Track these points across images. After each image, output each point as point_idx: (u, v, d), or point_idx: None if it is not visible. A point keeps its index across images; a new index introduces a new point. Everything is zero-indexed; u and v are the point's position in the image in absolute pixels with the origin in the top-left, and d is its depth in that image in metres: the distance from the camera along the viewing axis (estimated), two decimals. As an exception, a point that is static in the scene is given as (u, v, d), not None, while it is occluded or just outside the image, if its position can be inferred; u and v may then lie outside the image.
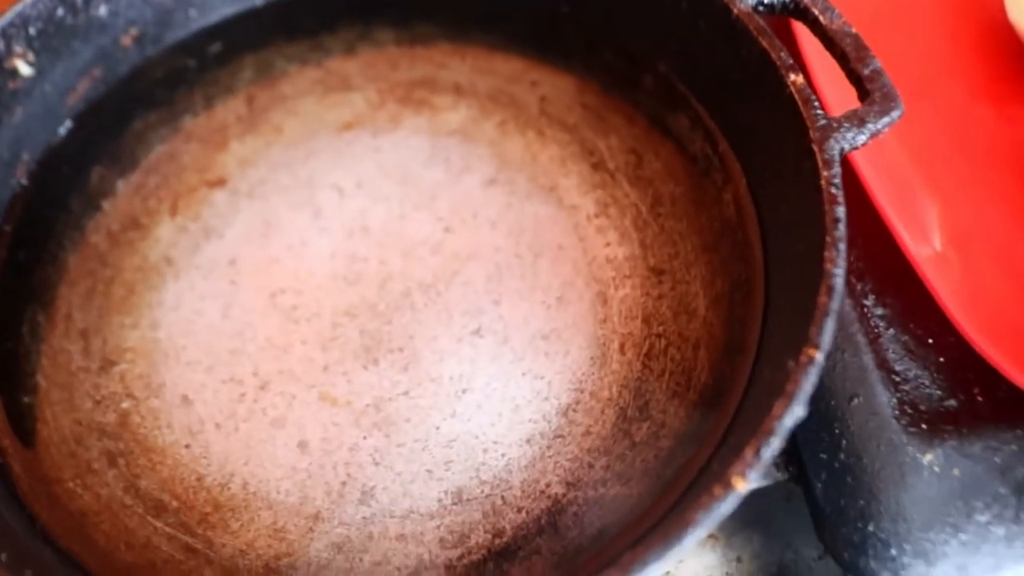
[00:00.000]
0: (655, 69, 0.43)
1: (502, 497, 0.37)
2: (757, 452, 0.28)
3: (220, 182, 0.45)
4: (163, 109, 0.46)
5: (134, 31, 0.44)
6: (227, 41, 0.47)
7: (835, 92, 0.43)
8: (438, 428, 0.38)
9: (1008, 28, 0.49)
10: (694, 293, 0.39)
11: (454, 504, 0.37)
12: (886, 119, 0.35)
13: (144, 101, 0.46)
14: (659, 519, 0.31)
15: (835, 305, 0.30)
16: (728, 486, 0.27)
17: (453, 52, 0.47)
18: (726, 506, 0.27)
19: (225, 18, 0.46)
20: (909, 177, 0.45)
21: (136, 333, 0.41)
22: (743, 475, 0.27)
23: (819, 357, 0.29)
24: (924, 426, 0.39)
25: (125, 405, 0.39)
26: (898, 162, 0.45)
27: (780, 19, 0.39)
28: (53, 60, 0.42)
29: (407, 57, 0.47)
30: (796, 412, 0.28)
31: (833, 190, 0.32)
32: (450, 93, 0.46)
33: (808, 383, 0.29)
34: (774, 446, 0.28)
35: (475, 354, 0.40)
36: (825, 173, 0.33)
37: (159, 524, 0.37)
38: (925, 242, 0.43)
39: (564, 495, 0.37)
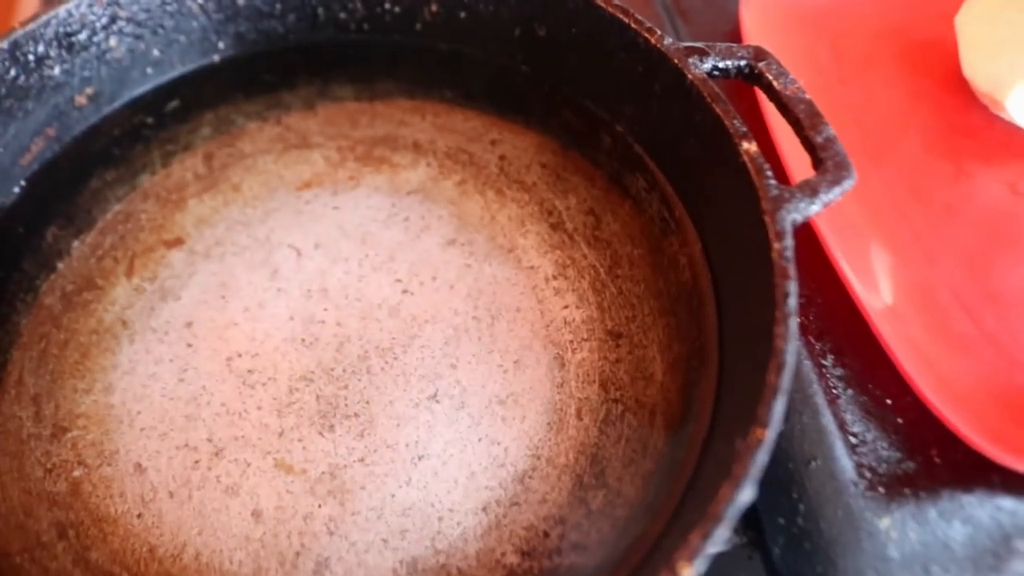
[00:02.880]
0: (613, 130, 0.43)
1: (457, 568, 0.37)
2: (704, 537, 0.27)
3: (177, 242, 0.45)
4: (120, 167, 0.46)
5: (89, 90, 0.44)
6: (185, 98, 0.46)
7: (799, 155, 0.44)
8: (394, 496, 0.38)
9: (964, 84, 0.49)
10: (651, 358, 0.39)
11: (409, 574, 0.37)
12: (838, 189, 0.35)
13: (100, 160, 0.45)
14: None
15: (784, 383, 0.30)
16: (673, 572, 0.27)
17: (413, 109, 0.47)
18: (673, 593, 0.27)
19: (182, 75, 0.46)
20: (865, 231, 0.45)
21: (89, 398, 0.41)
22: (689, 561, 0.27)
23: (768, 436, 0.29)
24: (882, 489, 0.39)
25: (77, 473, 0.39)
26: (855, 217, 0.46)
27: (742, 84, 0.40)
28: (6, 121, 0.41)
29: (367, 114, 0.47)
30: (744, 495, 0.28)
31: (784, 263, 0.32)
32: (410, 151, 0.46)
33: (756, 465, 0.29)
34: (721, 531, 0.28)
35: (432, 419, 0.39)
36: (776, 245, 0.33)
37: (109, 597, 0.36)
38: (880, 297, 0.43)
39: (519, 565, 0.36)
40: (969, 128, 0.48)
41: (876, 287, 0.44)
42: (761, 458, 0.29)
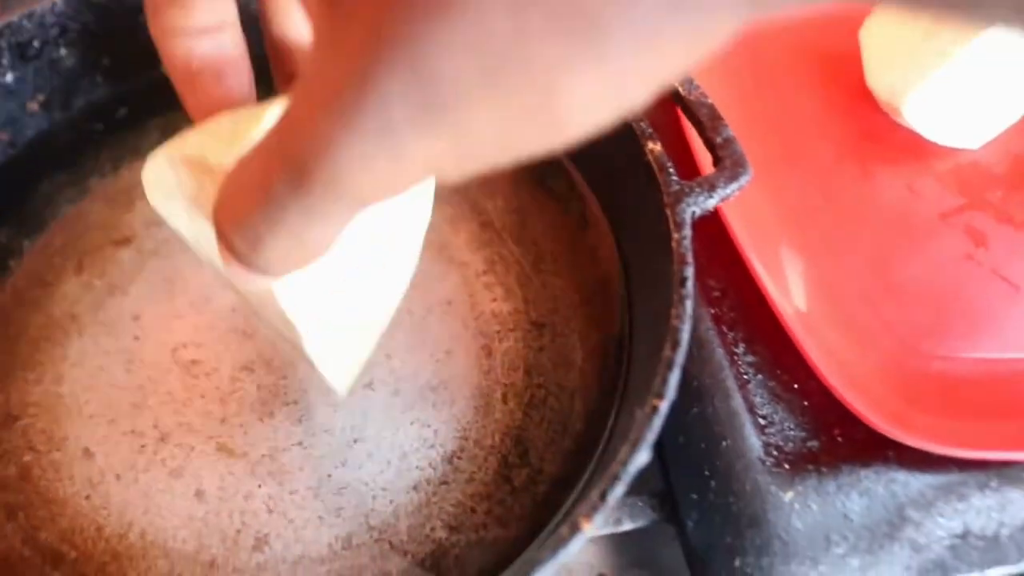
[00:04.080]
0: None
1: (389, 542, 0.39)
2: (603, 495, 0.30)
3: (126, 241, 0.47)
4: (71, 171, 0.48)
5: (41, 97, 0.46)
6: (134, 105, 0.48)
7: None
8: (330, 476, 0.40)
9: (869, 93, 0.53)
10: (572, 346, 0.42)
11: (344, 549, 0.39)
12: (735, 184, 0.38)
13: (52, 164, 0.47)
14: (520, 563, 0.34)
15: (679, 358, 0.33)
16: (575, 528, 0.30)
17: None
18: (572, 546, 0.30)
19: (132, 84, 0.48)
20: (777, 231, 0.49)
21: (39, 388, 0.43)
22: (589, 517, 0.30)
23: (662, 406, 0.32)
24: (787, 466, 0.42)
25: (27, 458, 0.41)
26: (768, 217, 0.49)
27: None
28: (-41, 126, 0.43)
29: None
30: (640, 458, 0.31)
31: (683, 251, 0.35)
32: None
33: (651, 431, 0.31)
34: (618, 489, 0.30)
35: (367, 405, 0.42)
36: (676, 235, 0.36)
37: (57, 575, 0.38)
38: (789, 292, 0.46)
39: (447, 539, 0.39)
40: (874, 133, 0.52)
41: (786, 283, 0.47)
42: (655, 425, 0.31)
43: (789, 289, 0.46)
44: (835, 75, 0.54)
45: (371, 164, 0.18)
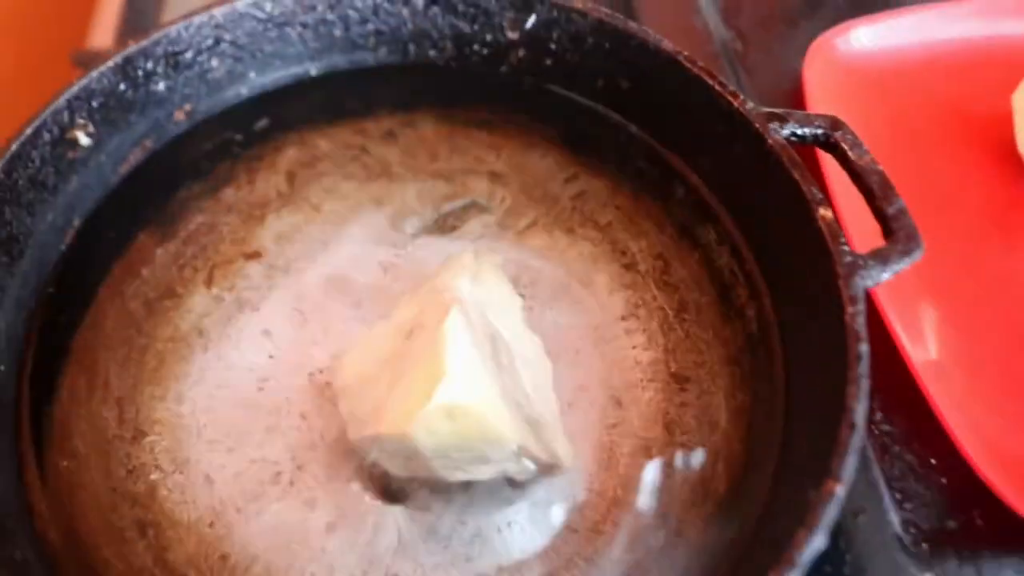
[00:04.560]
0: (687, 181, 0.45)
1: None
2: (780, 582, 0.29)
3: (256, 255, 0.46)
4: (207, 180, 0.47)
5: (187, 106, 0.46)
6: (273, 118, 0.48)
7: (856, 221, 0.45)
8: (464, 523, 0.39)
9: (1019, 160, 0.51)
10: (716, 404, 0.41)
11: (473, 597, 0.38)
12: (908, 259, 0.37)
13: (189, 172, 0.47)
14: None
15: (856, 442, 0.32)
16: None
17: (490, 146, 0.49)
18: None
19: (273, 96, 0.48)
20: (917, 296, 0.47)
21: (163, 405, 0.42)
22: (769, 604, 0.29)
23: (840, 491, 0.31)
24: (925, 546, 0.41)
25: (154, 477, 0.40)
26: (908, 281, 0.47)
27: (808, 148, 0.41)
28: (111, 132, 0.43)
29: (445, 146, 0.49)
30: (817, 544, 0.30)
31: (857, 327, 0.34)
32: (486, 181, 0.48)
33: (829, 516, 0.30)
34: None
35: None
36: (850, 309, 0.35)
37: (184, 598, 0.38)
38: (929, 359, 0.45)
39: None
40: (1022, 203, 0.50)
41: (929, 355, 0.45)
42: (834, 510, 0.30)
43: (931, 358, 0.45)
44: (982, 137, 0.53)
45: None
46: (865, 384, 0.33)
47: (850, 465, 0.31)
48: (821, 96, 0.53)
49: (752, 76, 0.58)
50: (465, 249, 0.43)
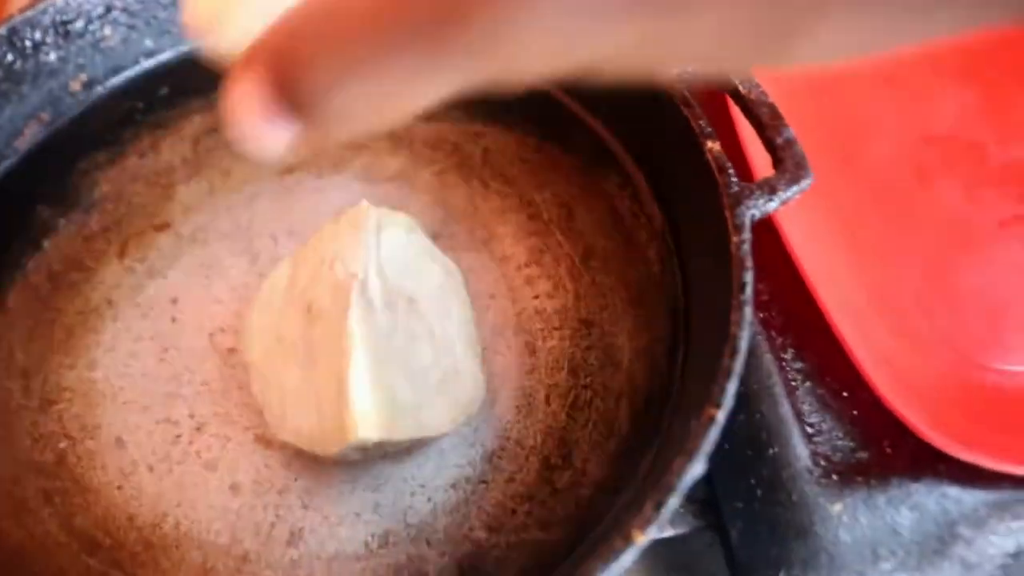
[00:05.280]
0: (588, 126, 0.45)
1: (427, 541, 0.38)
2: (656, 507, 0.29)
3: (165, 226, 0.46)
4: (110, 150, 0.47)
5: (83, 76, 0.45)
6: (175, 85, 0.47)
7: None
8: (367, 471, 0.39)
9: (933, 95, 0.51)
10: (619, 346, 0.41)
11: (380, 548, 0.38)
12: (796, 187, 0.36)
13: (91, 143, 0.46)
14: (567, 570, 0.33)
15: (737, 366, 0.32)
16: (628, 539, 0.29)
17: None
18: (625, 558, 0.29)
19: (174, 63, 0.47)
20: (830, 237, 0.47)
21: (74, 373, 0.42)
22: (642, 529, 0.29)
23: (719, 416, 0.31)
24: (835, 477, 0.41)
25: (62, 445, 0.40)
26: (820, 222, 0.47)
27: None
28: (1, 105, 0.43)
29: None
30: (696, 469, 0.30)
31: (741, 255, 0.34)
32: (387, 139, 0.48)
33: (707, 442, 0.30)
34: (672, 501, 0.29)
35: (406, 400, 0.41)
36: (735, 238, 0.35)
37: (92, 562, 0.38)
38: (842, 302, 0.45)
39: (486, 539, 0.38)
40: (934, 138, 0.50)
41: (839, 289, 0.45)
42: (712, 435, 0.30)
43: (841, 295, 0.45)
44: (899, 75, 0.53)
45: (556, 29, 0.15)
46: (748, 311, 0.33)
47: (730, 391, 0.31)
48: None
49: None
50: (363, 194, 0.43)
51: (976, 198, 0.48)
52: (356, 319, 0.36)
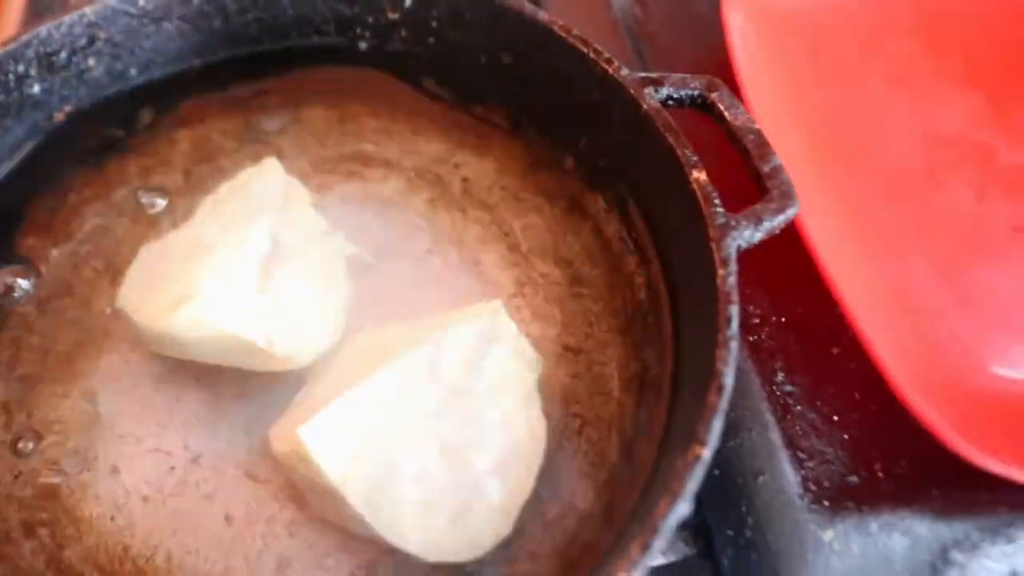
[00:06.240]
0: (574, 153, 0.45)
1: (414, 572, 0.38)
2: (643, 549, 0.29)
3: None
4: (97, 181, 0.47)
5: (68, 107, 0.45)
6: (162, 115, 0.48)
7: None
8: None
9: (942, 94, 0.51)
10: (609, 375, 0.41)
11: (367, 577, 0.38)
12: (782, 217, 0.36)
13: (78, 174, 0.46)
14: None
15: (723, 404, 0.31)
16: (614, 582, 0.28)
17: (379, 130, 0.48)
18: (612, 601, 0.29)
19: (160, 93, 0.47)
20: (843, 235, 0.47)
21: (67, 403, 0.42)
22: (628, 572, 0.29)
23: (705, 454, 0.31)
24: (826, 503, 0.41)
25: (55, 480, 0.40)
26: (835, 222, 0.47)
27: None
28: (-15, 138, 0.43)
29: (335, 133, 0.48)
30: (681, 509, 0.30)
31: (728, 288, 0.34)
32: (381, 167, 0.48)
33: (692, 482, 0.30)
34: (658, 543, 0.29)
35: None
36: (720, 271, 0.34)
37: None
38: (858, 299, 0.44)
39: (477, 571, 0.38)
40: (946, 137, 0.50)
41: (855, 290, 0.44)
42: (698, 474, 0.30)
43: (858, 296, 0.44)
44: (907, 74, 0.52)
45: None
46: (734, 347, 0.33)
47: (716, 428, 0.31)
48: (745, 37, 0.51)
49: (653, 46, 0.57)
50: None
51: (988, 201, 0.48)
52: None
